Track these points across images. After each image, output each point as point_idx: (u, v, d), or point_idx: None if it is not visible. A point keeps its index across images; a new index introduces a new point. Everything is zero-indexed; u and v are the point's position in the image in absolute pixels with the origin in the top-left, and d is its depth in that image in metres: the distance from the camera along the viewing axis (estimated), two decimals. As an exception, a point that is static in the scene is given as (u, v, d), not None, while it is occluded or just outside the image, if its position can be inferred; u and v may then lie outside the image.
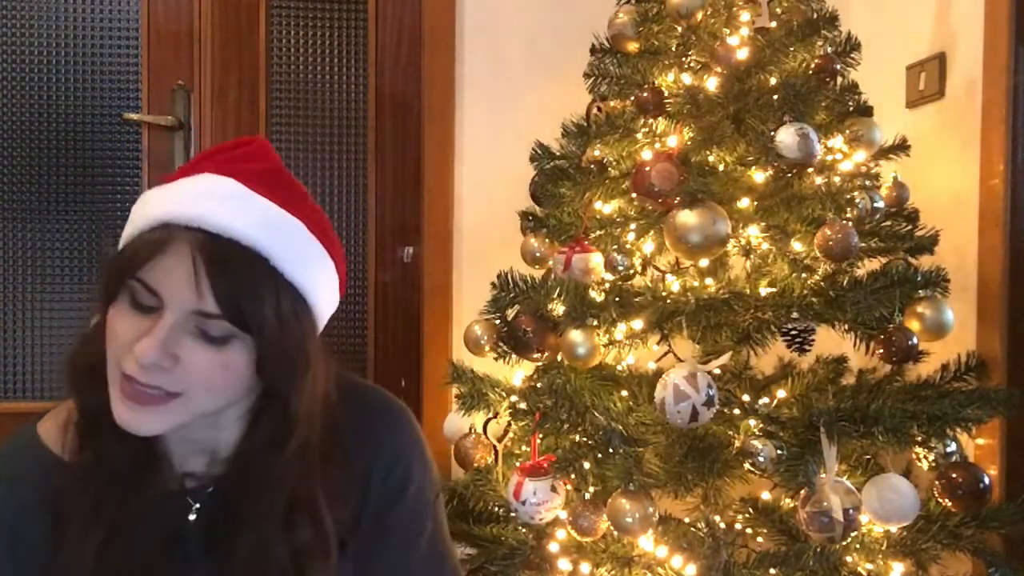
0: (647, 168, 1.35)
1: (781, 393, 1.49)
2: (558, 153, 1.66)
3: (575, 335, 1.38)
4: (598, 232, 1.51)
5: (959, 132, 1.76)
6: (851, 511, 1.22)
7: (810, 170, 1.41)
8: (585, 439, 1.39)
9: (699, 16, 1.49)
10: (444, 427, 1.73)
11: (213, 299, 0.81)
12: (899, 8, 1.98)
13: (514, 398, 1.51)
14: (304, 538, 0.91)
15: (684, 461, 1.29)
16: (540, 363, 1.48)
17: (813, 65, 1.46)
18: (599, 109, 1.65)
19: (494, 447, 1.60)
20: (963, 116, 1.75)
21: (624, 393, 1.41)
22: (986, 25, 1.69)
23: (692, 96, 1.44)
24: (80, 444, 0.91)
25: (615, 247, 1.49)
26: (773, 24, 1.50)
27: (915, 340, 1.35)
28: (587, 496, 1.37)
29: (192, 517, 0.94)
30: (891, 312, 1.36)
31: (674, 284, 1.50)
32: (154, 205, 0.87)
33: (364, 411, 1.01)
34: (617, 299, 1.39)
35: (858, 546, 1.36)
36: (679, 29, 1.53)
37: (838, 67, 1.49)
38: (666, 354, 1.49)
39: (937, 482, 1.36)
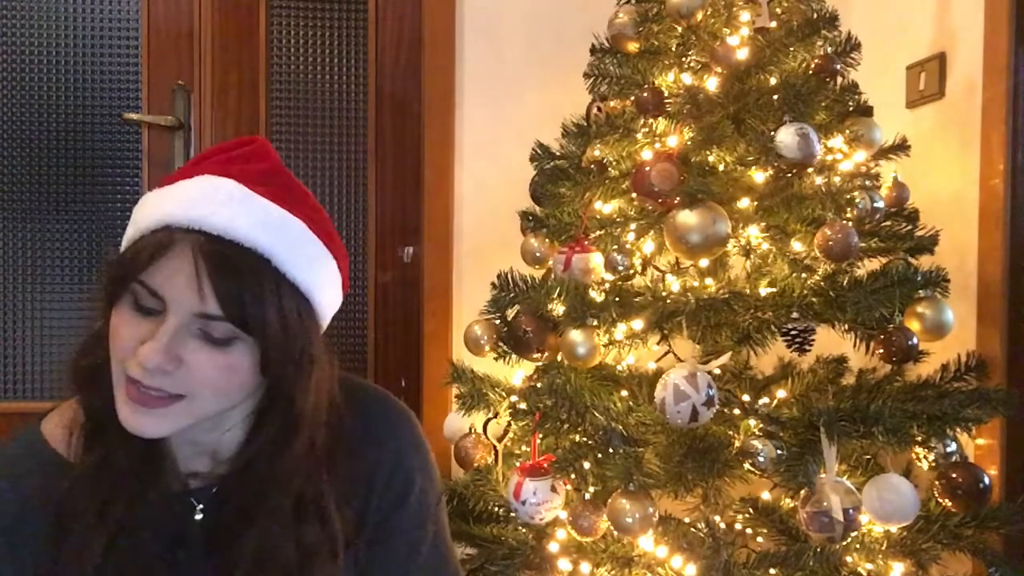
0: (647, 168, 1.35)
1: (781, 393, 1.49)
2: (558, 153, 1.66)
3: (575, 335, 1.38)
4: (598, 232, 1.51)
5: (959, 132, 1.76)
6: (851, 511, 1.22)
7: (810, 170, 1.41)
8: (585, 439, 1.40)
9: (699, 16, 1.49)
10: (444, 427, 1.73)
11: (215, 301, 0.81)
12: (899, 8, 1.98)
13: (514, 398, 1.51)
14: (311, 537, 0.91)
15: (684, 461, 1.29)
16: (540, 363, 1.48)
17: (813, 65, 1.46)
18: (599, 109, 1.65)
19: (494, 447, 1.60)
20: (963, 116, 1.75)
21: (624, 393, 1.41)
22: (986, 25, 1.69)
23: (692, 96, 1.44)
24: (85, 445, 0.91)
25: (615, 247, 1.49)
26: (773, 24, 1.50)
27: (915, 340, 1.35)
28: (587, 496, 1.37)
29: (198, 517, 0.94)
30: (891, 312, 1.36)
31: (674, 284, 1.50)
32: (155, 207, 0.87)
33: (367, 413, 1.01)
34: (617, 299, 1.39)
35: (858, 546, 1.36)
36: (679, 29, 1.53)
37: (838, 67, 1.49)
38: (666, 354, 1.49)
39: (937, 482, 1.36)
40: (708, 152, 1.42)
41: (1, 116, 2.09)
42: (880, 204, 1.47)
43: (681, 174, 1.34)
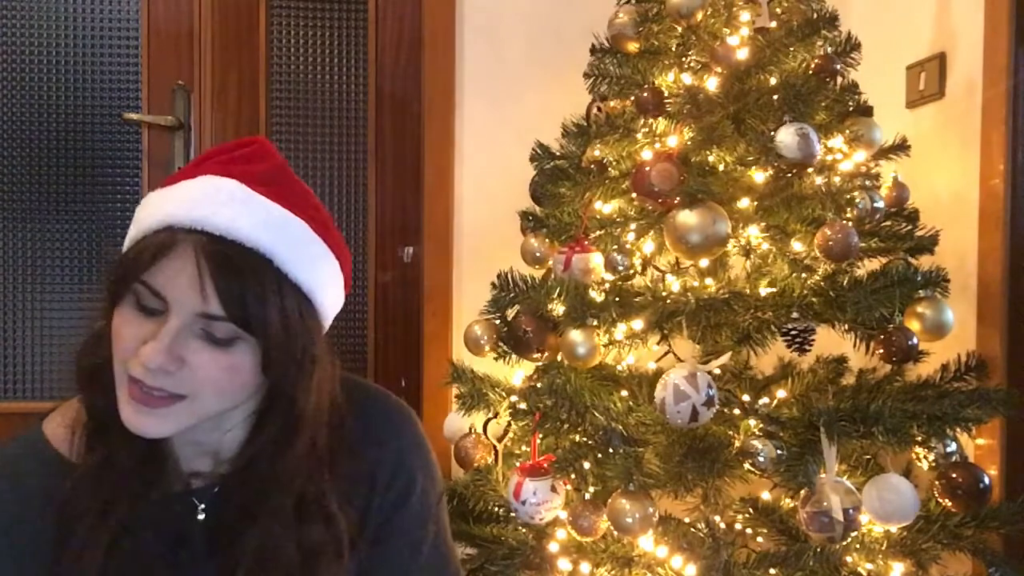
0: (647, 168, 1.35)
1: (781, 393, 1.49)
2: (558, 153, 1.66)
3: (575, 335, 1.38)
4: (598, 232, 1.51)
5: (959, 132, 1.76)
6: (851, 511, 1.22)
7: (810, 170, 1.41)
8: (585, 439, 1.40)
9: (699, 16, 1.49)
10: (444, 427, 1.73)
11: (218, 302, 0.81)
12: (899, 8, 1.98)
13: (514, 398, 1.51)
14: (315, 537, 0.91)
15: (684, 461, 1.29)
16: (540, 363, 1.48)
17: (813, 65, 1.46)
18: (599, 109, 1.65)
19: (494, 447, 1.60)
20: (963, 116, 1.75)
21: (624, 393, 1.41)
22: (986, 25, 1.69)
23: (692, 96, 1.44)
24: (87, 445, 0.91)
25: (615, 247, 1.49)
26: (773, 24, 1.50)
27: (915, 340, 1.35)
28: (587, 496, 1.37)
29: (200, 517, 0.94)
30: (891, 312, 1.36)
31: (674, 284, 1.50)
32: (157, 207, 0.87)
33: (368, 413, 1.01)
34: (617, 299, 1.39)
35: (858, 546, 1.36)
36: (679, 29, 1.53)
37: (838, 67, 1.49)
38: (666, 354, 1.49)
39: (937, 482, 1.36)
40: (708, 152, 1.42)
41: (1, 116, 2.09)
42: (880, 204, 1.47)
43: (681, 174, 1.34)
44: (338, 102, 2.21)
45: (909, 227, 1.51)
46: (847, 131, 1.49)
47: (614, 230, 1.50)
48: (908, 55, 1.92)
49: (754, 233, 1.44)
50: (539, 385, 1.46)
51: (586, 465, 1.37)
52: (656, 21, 1.54)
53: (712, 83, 1.46)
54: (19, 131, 2.09)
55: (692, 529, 1.45)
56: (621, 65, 1.59)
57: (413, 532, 1.01)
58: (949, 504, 1.35)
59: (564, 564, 1.45)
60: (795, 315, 1.34)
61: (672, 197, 1.33)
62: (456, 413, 1.59)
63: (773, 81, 1.44)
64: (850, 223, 1.36)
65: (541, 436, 1.46)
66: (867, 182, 1.49)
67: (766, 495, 1.47)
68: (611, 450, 1.34)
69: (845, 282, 1.37)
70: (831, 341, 1.52)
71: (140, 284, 0.82)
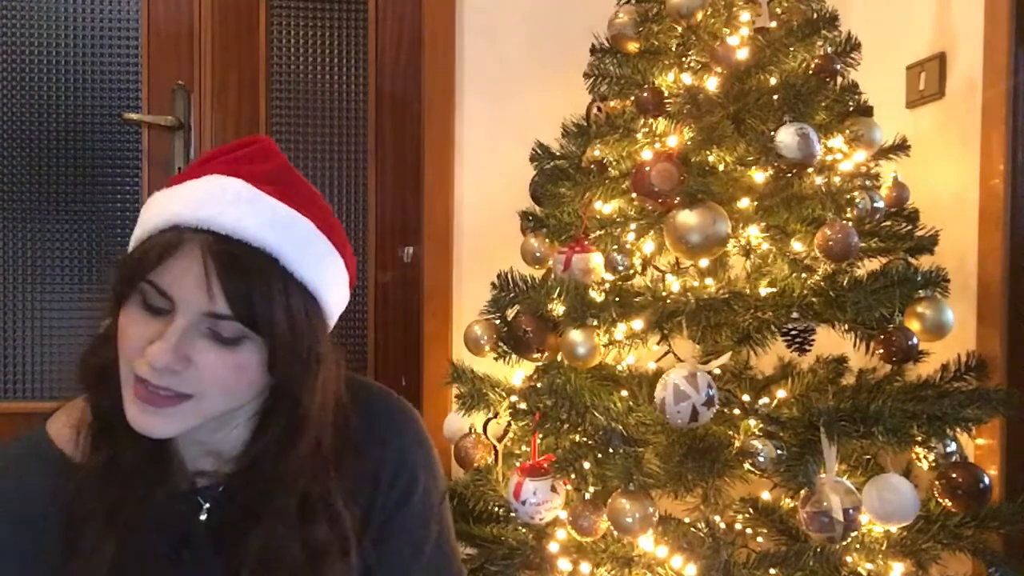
0: (647, 168, 1.35)
1: (781, 393, 1.49)
2: (558, 153, 1.66)
3: (575, 335, 1.38)
4: (598, 232, 1.51)
5: (959, 132, 1.76)
6: (851, 511, 1.22)
7: (810, 170, 1.41)
8: (585, 439, 1.40)
9: (699, 16, 1.49)
10: (444, 427, 1.73)
11: (224, 301, 0.81)
12: (899, 8, 1.98)
13: (514, 398, 1.51)
14: (320, 536, 0.91)
15: (684, 461, 1.29)
16: (540, 363, 1.48)
17: (813, 65, 1.46)
18: (599, 109, 1.65)
19: (494, 447, 1.60)
20: (963, 116, 1.75)
21: (624, 393, 1.41)
22: (986, 25, 1.69)
23: (692, 96, 1.44)
24: (93, 445, 0.91)
25: (615, 247, 1.49)
26: (773, 24, 1.50)
27: (915, 340, 1.35)
28: (587, 496, 1.37)
29: (203, 517, 0.94)
30: (891, 312, 1.36)
31: (674, 284, 1.50)
32: (163, 207, 0.87)
33: (370, 412, 1.01)
34: (617, 299, 1.39)
35: (858, 546, 1.36)
36: (679, 29, 1.53)
37: (838, 67, 1.49)
38: (666, 354, 1.49)
39: (937, 482, 1.36)
40: (708, 152, 1.42)
41: (1, 116, 2.09)
42: (880, 204, 1.47)
43: (681, 174, 1.34)
44: (338, 102, 2.21)
45: (909, 227, 1.51)
46: (847, 131, 1.49)
47: (614, 230, 1.50)
48: (908, 55, 1.92)
49: (754, 233, 1.44)
50: (539, 385, 1.46)
51: (586, 465, 1.37)
52: (656, 21, 1.54)
53: (712, 83, 1.46)
54: (19, 131, 2.09)
55: (692, 529, 1.45)
56: (621, 65, 1.59)
57: (416, 531, 1.01)
58: (949, 504, 1.35)
59: (564, 564, 1.45)
60: (795, 315, 1.34)
61: (672, 197, 1.33)
62: (456, 413, 1.59)
63: (773, 81, 1.44)
64: (850, 223, 1.36)
65: (541, 436, 1.46)
66: (867, 182, 1.49)
67: (766, 495, 1.47)
68: (611, 450, 1.34)
69: (845, 282, 1.37)
70: (831, 341, 1.52)
71: (146, 284, 0.82)
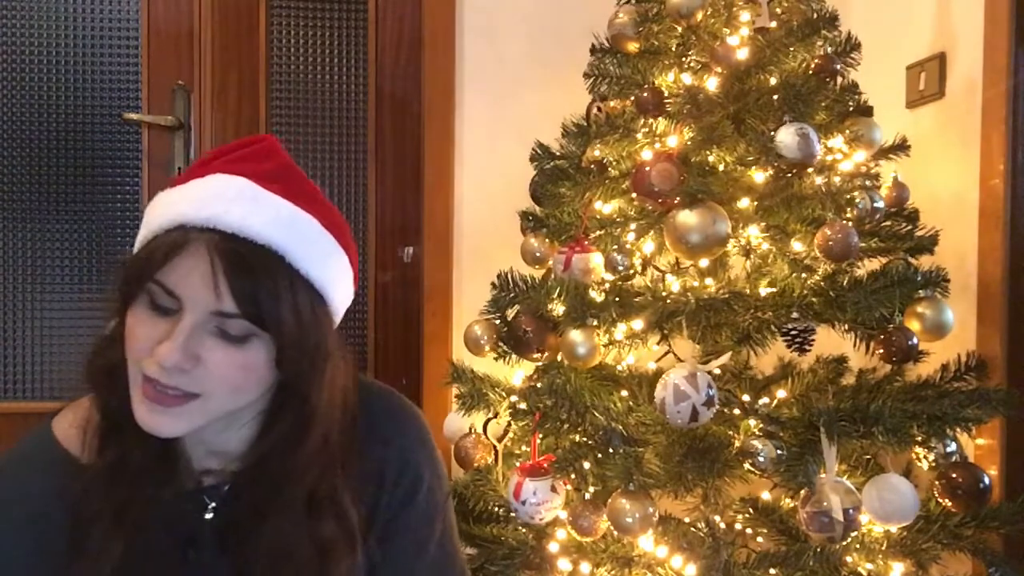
0: (647, 168, 1.35)
1: (781, 393, 1.49)
2: (558, 153, 1.66)
3: (575, 335, 1.38)
4: (598, 232, 1.51)
5: (959, 132, 1.76)
6: (851, 511, 1.22)
7: (810, 170, 1.41)
8: (585, 439, 1.39)
9: (699, 16, 1.49)
10: (444, 427, 1.73)
11: (232, 299, 0.81)
12: (899, 8, 1.98)
13: (514, 398, 1.51)
14: (327, 533, 0.91)
15: (684, 461, 1.29)
16: (540, 363, 1.48)
17: (813, 65, 1.46)
18: (599, 109, 1.65)
19: (494, 447, 1.60)
20: (963, 116, 1.75)
21: (624, 393, 1.41)
22: (986, 25, 1.69)
23: (692, 96, 1.44)
24: (100, 445, 0.91)
25: (615, 247, 1.49)
26: (773, 24, 1.50)
27: (915, 340, 1.35)
28: (587, 496, 1.37)
29: (209, 516, 0.94)
30: (891, 312, 1.36)
31: (674, 284, 1.50)
32: (168, 207, 0.87)
33: (372, 411, 1.01)
34: (617, 299, 1.39)
35: (858, 546, 1.36)
36: (679, 29, 1.53)
37: (838, 67, 1.49)
38: (666, 354, 1.49)
39: (937, 482, 1.36)
40: (708, 152, 1.42)
41: (1, 116, 2.09)
42: (880, 204, 1.47)
43: (681, 174, 1.34)
44: (338, 102, 2.21)
45: (909, 227, 1.51)
46: (847, 131, 1.49)
47: (614, 230, 1.50)
48: (908, 55, 1.92)
49: (754, 233, 1.44)
50: (539, 385, 1.46)
51: (586, 465, 1.37)
52: (656, 21, 1.54)
53: (712, 83, 1.46)
54: (19, 131, 2.09)
55: (692, 529, 1.45)
56: (621, 65, 1.59)
57: (420, 530, 1.02)
58: (949, 504, 1.35)
59: (564, 564, 1.45)
60: (795, 315, 1.34)
61: (672, 197, 1.33)
62: (456, 413, 1.59)
63: (773, 81, 1.44)
64: (850, 223, 1.36)
65: (541, 436, 1.46)
66: (867, 182, 1.49)
67: (766, 495, 1.47)
68: (611, 450, 1.34)
69: (845, 282, 1.36)
70: (831, 341, 1.52)
71: (153, 283, 0.83)
